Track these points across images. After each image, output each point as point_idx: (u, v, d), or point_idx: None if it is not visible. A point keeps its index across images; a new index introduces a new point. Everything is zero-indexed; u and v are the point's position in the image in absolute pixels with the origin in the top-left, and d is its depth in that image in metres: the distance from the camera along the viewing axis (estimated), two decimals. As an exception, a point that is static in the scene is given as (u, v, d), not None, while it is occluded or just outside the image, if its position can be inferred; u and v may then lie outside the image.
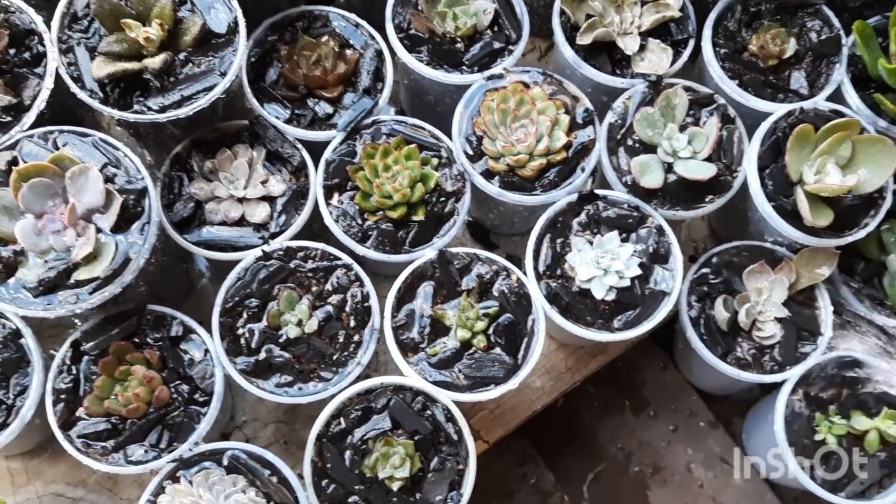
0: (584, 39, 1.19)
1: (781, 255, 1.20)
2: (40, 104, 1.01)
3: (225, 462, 1.00)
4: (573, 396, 1.40)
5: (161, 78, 1.02)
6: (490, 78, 1.18)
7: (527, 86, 1.17)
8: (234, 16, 1.06)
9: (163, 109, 1.02)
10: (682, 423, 1.49)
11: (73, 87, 1.02)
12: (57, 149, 0.97)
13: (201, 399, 1.05)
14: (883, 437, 1.13)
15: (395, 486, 0.99)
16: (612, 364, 1.37)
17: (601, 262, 1.09)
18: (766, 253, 1.21)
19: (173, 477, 1.00)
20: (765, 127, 1.17)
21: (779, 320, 1.17)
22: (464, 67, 1.20)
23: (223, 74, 1.04)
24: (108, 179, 0.98)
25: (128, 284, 0.96)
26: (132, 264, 0.96)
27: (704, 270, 1.21)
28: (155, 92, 1.02)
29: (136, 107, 1.02)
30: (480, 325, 1.07)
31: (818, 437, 1.15)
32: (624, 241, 1.13)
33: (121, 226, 0.96)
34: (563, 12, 1.22)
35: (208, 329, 1.05)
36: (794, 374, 1.15)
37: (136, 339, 1.05)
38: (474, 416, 1.25)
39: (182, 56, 1.04)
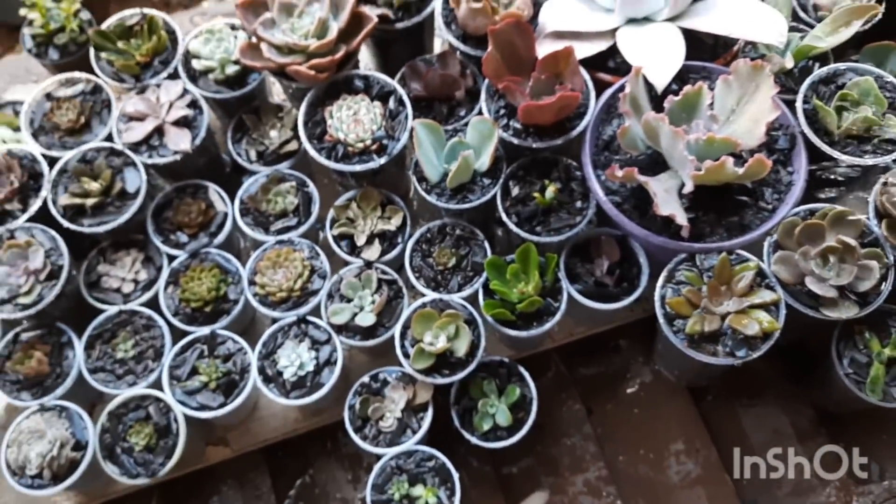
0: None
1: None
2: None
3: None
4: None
5: (95, 207, 1.94)
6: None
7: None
8: (143, 178, 1.98)
9: (90, 225, 1.93)
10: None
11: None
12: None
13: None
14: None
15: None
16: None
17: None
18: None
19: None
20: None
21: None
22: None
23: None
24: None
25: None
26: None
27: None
28: (89, 214, 1.94)
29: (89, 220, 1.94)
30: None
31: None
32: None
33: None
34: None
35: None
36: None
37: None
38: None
39: (109, 200, 1.96)
